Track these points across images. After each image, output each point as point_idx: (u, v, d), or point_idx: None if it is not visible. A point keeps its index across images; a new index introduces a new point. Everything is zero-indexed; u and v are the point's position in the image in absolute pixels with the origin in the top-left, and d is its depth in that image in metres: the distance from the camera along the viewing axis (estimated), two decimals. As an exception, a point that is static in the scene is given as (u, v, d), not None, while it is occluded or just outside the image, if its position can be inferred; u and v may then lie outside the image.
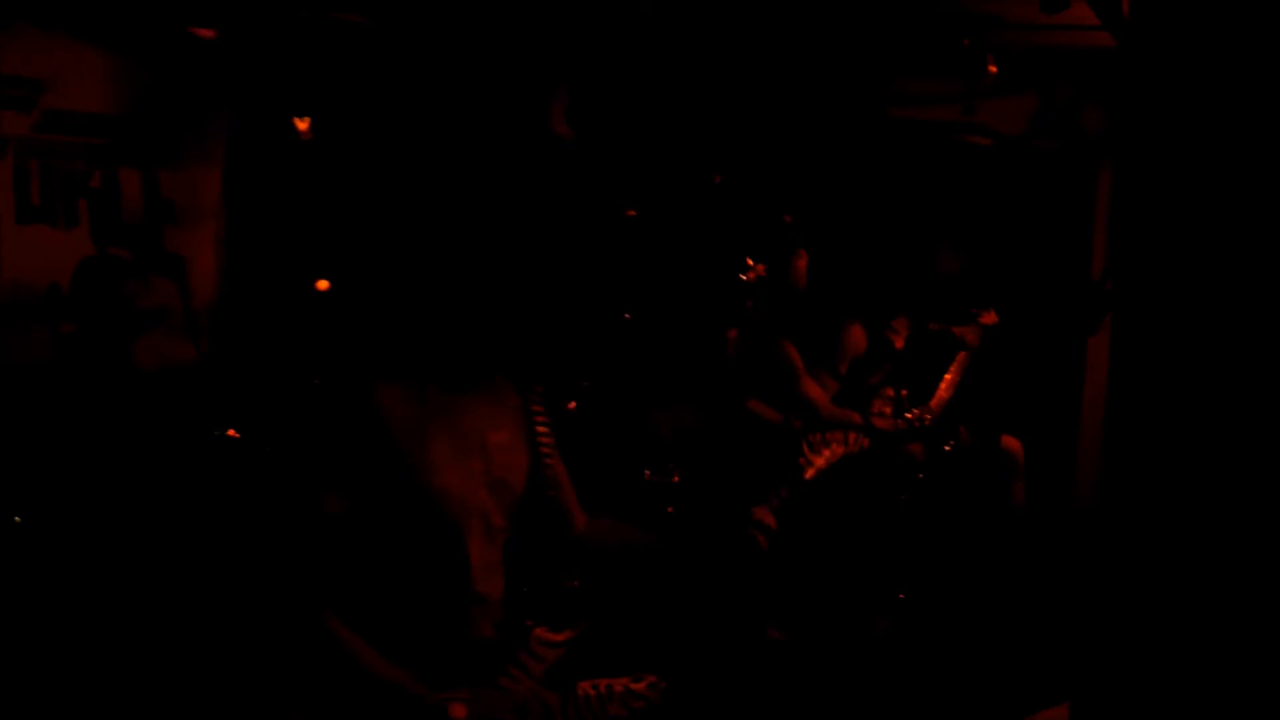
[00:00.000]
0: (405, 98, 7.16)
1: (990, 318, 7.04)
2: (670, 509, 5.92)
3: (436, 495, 3.29)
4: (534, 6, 6.70)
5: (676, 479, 6.00)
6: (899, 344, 6.77)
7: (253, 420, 6.01)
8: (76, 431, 5.92)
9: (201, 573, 5.62)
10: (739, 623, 6.10)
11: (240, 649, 5.23)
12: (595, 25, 6.89)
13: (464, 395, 3.44)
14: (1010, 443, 7.19)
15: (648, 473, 5.81)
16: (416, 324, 3.41)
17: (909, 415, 6.71)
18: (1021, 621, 6.49)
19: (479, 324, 3.39)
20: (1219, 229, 2.93)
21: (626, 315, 5.46)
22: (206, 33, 7.12)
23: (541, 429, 3.65)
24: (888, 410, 6.75)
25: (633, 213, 4.16)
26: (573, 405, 5.37)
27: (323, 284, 6.10)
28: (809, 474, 5.74)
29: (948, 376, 6.84)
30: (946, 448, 6.81)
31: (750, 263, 6.10)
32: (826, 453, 5.70)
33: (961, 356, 6.87)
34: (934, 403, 6.80)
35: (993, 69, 6.93)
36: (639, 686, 3.62)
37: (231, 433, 6.06)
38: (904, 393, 6.80)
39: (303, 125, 7.48)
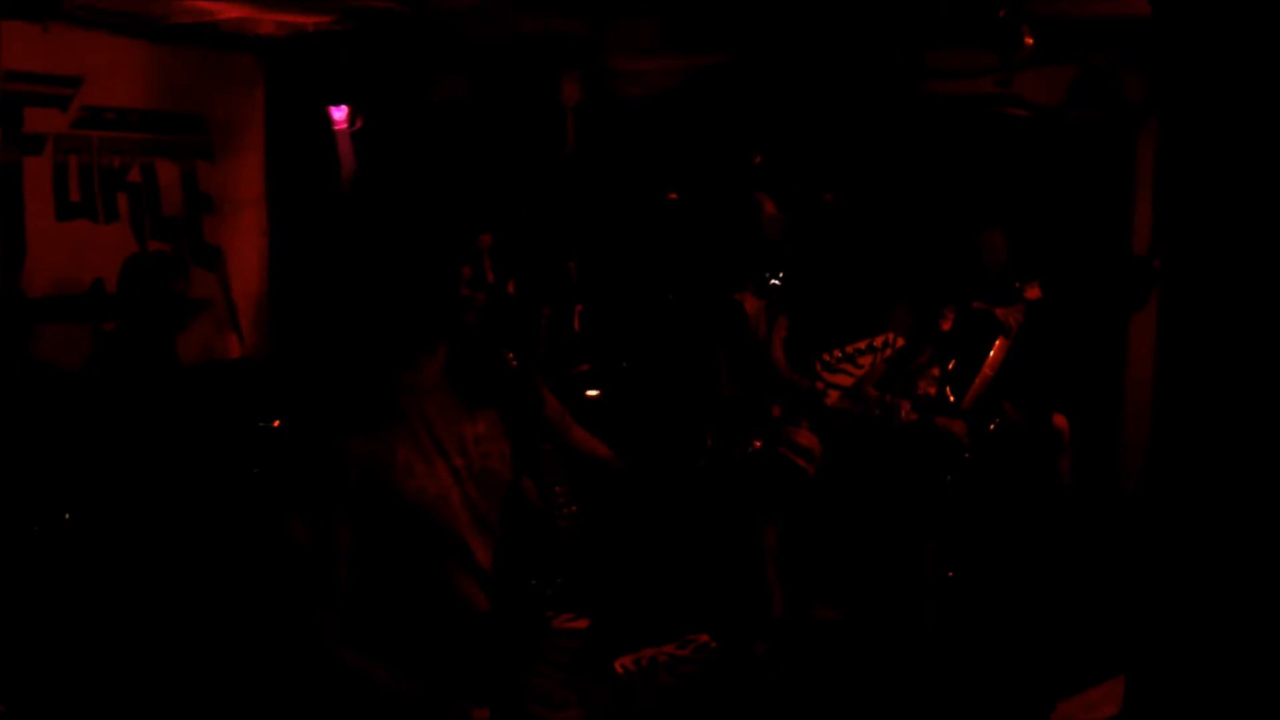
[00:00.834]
0: (446, 84, 7.16)
1: (1034, 292, 6.99)
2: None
3: (414, 495, 3.24)
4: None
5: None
6: (945, 325, 6.72)
7: (297, 412, 6.02)
8: (121, 427, 5.94)
9: (242, 569, 5.63)
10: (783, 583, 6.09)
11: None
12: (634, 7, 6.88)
13: (435, 395, 3.38)
14: (1057, 420, 7.15)
15: (758, 443, 5.70)
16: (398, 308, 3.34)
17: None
18: (1070, 598, 6.47)
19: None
20: (1266, 199, 2.91)
21: (669, 296, 5.44)
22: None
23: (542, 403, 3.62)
24: (932, 390, 6.72)
25: (674, 195, 4.15)
26: (595, 393, 5.34)
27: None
28: (832, 399, 5.69)
29: (990, 356, 6.80)
30: (991, 426, 6.78)
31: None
32: (847, 368, 5.63)
33: (1001, 340, 6.83)
34: (977, 382, 6.77)
35: (1029, 40, 6.88)
36: (685, 652, 3.60)
37: (276, 424, 6.06)
38: (951, 366, 6.76)
39: (338, 114, 7.49)
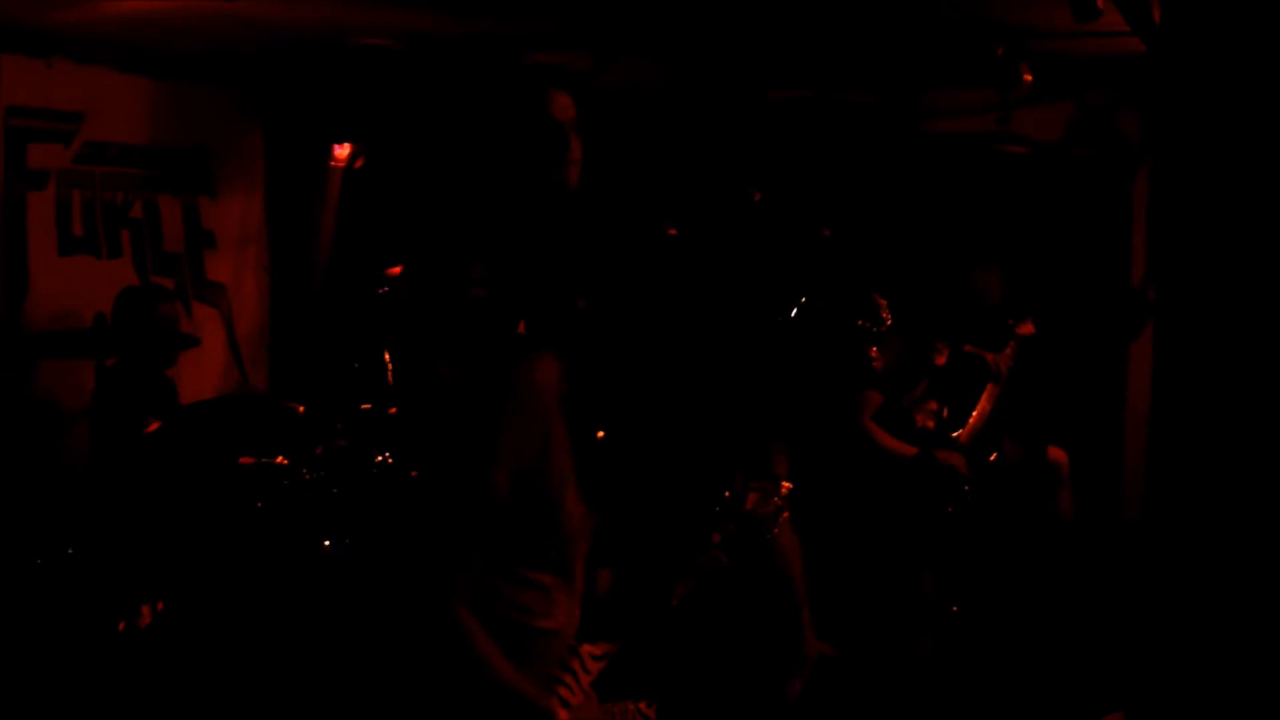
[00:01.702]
0: (441, 122, 7.18)
1: (1028, 328, 7.01)
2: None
3: (558, 487, 3.27)
4: (564, 25, 6.73)
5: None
6: (939, 360, 6.74)
7: (300, 447, 6.03)
8: (124, 460, 5.95)
9: (252, 595, 5.64)
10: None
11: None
12: (632, 42, 6.91)
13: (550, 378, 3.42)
14: (1055, 453, 7.16)
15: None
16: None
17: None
18: (1070, 632, 6.46)
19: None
20: (1259, 233, 2.93)
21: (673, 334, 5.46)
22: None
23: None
24: (930, 424, 6.73)
25: (674, 231, 4.16)
26: (601, 434, 5.35)
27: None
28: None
29: (980, 404, 6.82)
30: (990, 459, 6.79)
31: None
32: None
33: (991, 386, 6.85)
34: (974, 416, 6.78)
35: (1028, 77, 6.91)
36: (643, 706, 3.63)
37: (280, 460, 6.07)
38: (945, 413, 6.78)
39: (341, 152, 7.52)
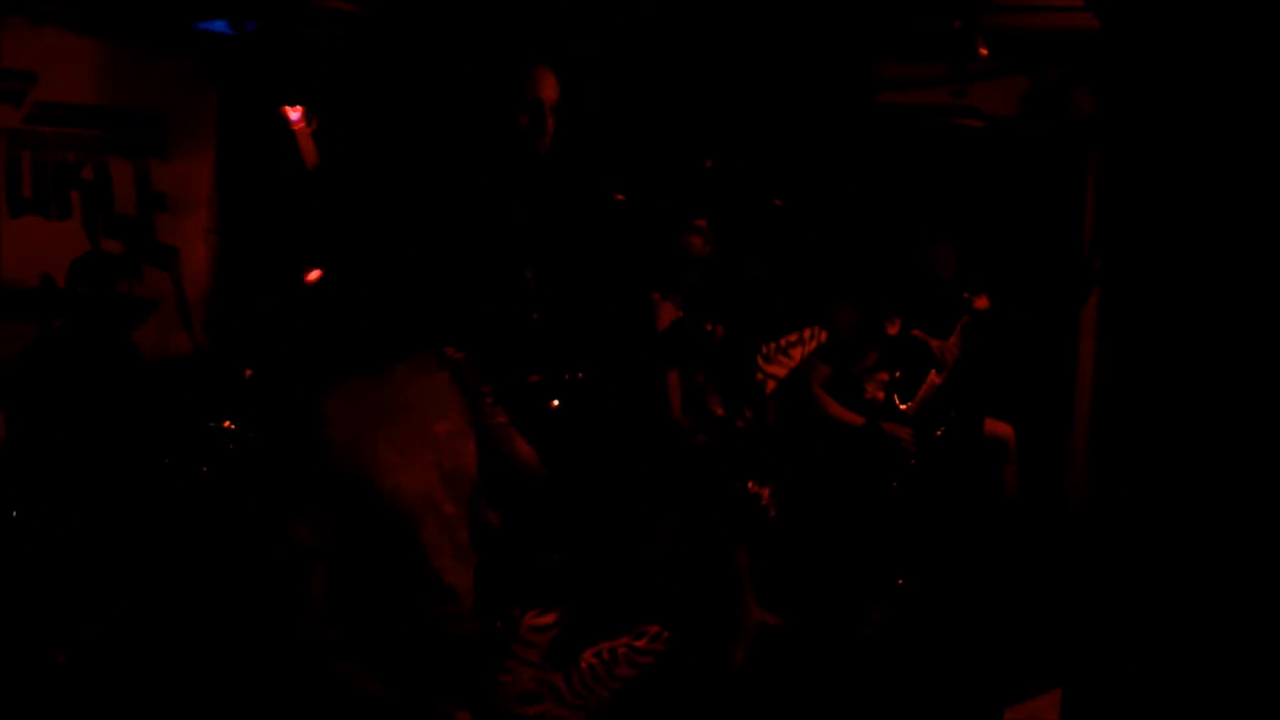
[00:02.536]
0: (398, 87, 7.15)
1: (982, 302, 7.03)
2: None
3: (390, 495, 3.25)
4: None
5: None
6: (891, 330, 6.75)
7: (248, 412, 6.00)
8: (71, 424, 5.92)
9: (199, 573, 5.61)
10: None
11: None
12: (589, 12, 6.88)
13: (406, 390, 3.40)
14: (1001, 429, 7.18)
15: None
16: (373, 311, 3.36)
17: None
18: (1013, 609, 6.49)
19: (441, 312, 3.36)
20: (1206, 210, 2.93)
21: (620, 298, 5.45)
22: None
23: (491, 413, 3.63)
24: (880, 395, 6.75)
25: (621, 197, 4.15)
26: (555, 404, 5.35)
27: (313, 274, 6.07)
28: (770, 388, 5.74)
29: (927, 380, 6.84)
30: (938, 433, 6.81)
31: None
32: (781, 359, 5.68)
33: (934, 373, 6.87)
34: (923, 389, 6.80)
35: (983, 51, 6.91)
36: (641, 643, 3.62)
37: (227, 424, 6.04)
38: (897, 376, 6.79)
39: (294, 115, 7.46)
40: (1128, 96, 3.09)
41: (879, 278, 6.89)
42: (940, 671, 6.00)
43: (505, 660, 3.38)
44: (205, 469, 5.93)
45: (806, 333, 5.71)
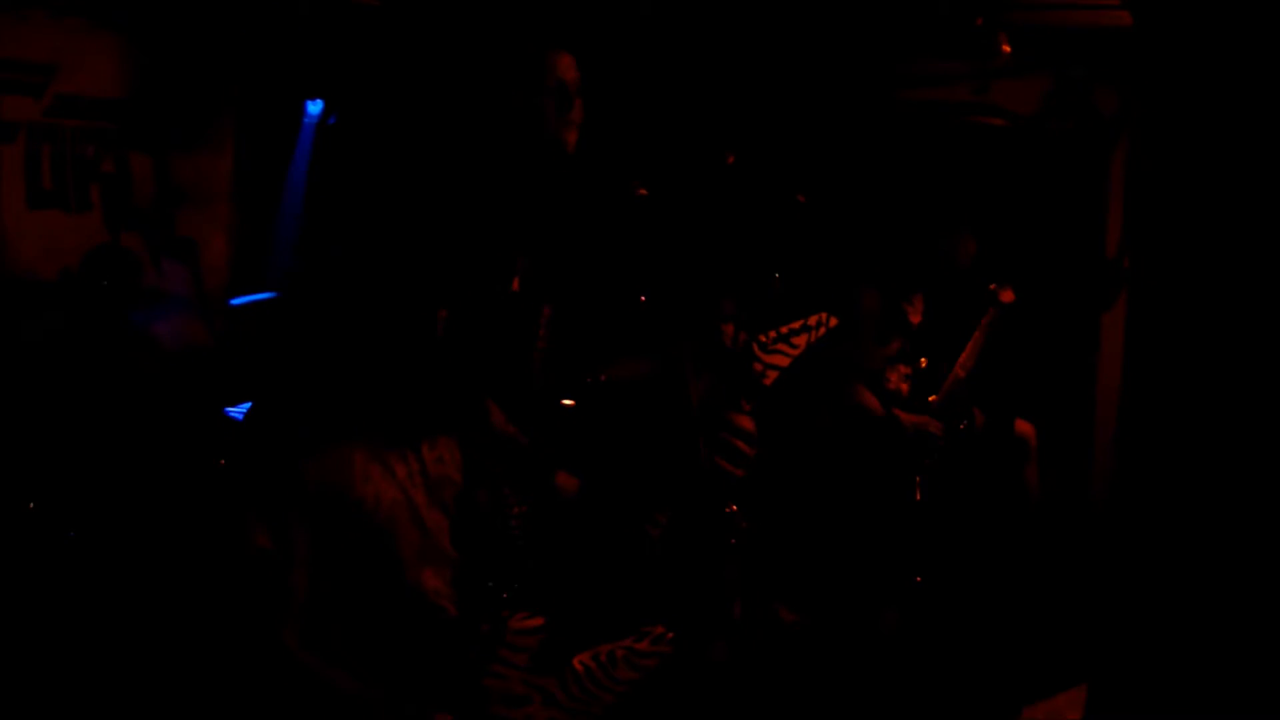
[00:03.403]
0: (417, 82, 7.14)
1: (1008, 295, 6.99)
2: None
3: (370, 505, 3.23)
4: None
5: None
6: (914, 318, 6.72)
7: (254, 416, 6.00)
8: (89, 415, 5.92)
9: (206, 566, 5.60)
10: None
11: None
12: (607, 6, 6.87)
13: (393, 400, 3.37)
14: (1023, 427, 7.15)
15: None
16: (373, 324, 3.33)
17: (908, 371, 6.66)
18: (1030, 607, 6.47)
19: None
20: (1233, 210, 2.92)
21: (642, 298, 5.42)
22: None
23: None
24: (904, 387, 6.72)
25: (644, 191, 4.12)
26: (570, 403, 5.33)
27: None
28: (770, 379, 5.69)
29: (962, 356, 6.78)
30: (960, 427, 6.78)
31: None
32: (783, 348, 5.62)
33: (976, 336, 6.81)
34: (948, 381, 6.76)
35: (1006, 48, 6.89)
36: (643, 645, 3.60)
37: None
38: (923, 363, 6.76)
39: (316, 111, 7.48)
40: (1161, 94, 3.07)
41: (900, 266, 6.87)
42: (957, 670, 5.99)
43: (491, 664, 3.36)
44: (222, 461, 5.93)
45: (813, 319, 5.61)
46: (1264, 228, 2.88)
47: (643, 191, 4.13)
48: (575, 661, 3.51)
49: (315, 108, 7.67)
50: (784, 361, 5.63)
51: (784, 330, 5.58)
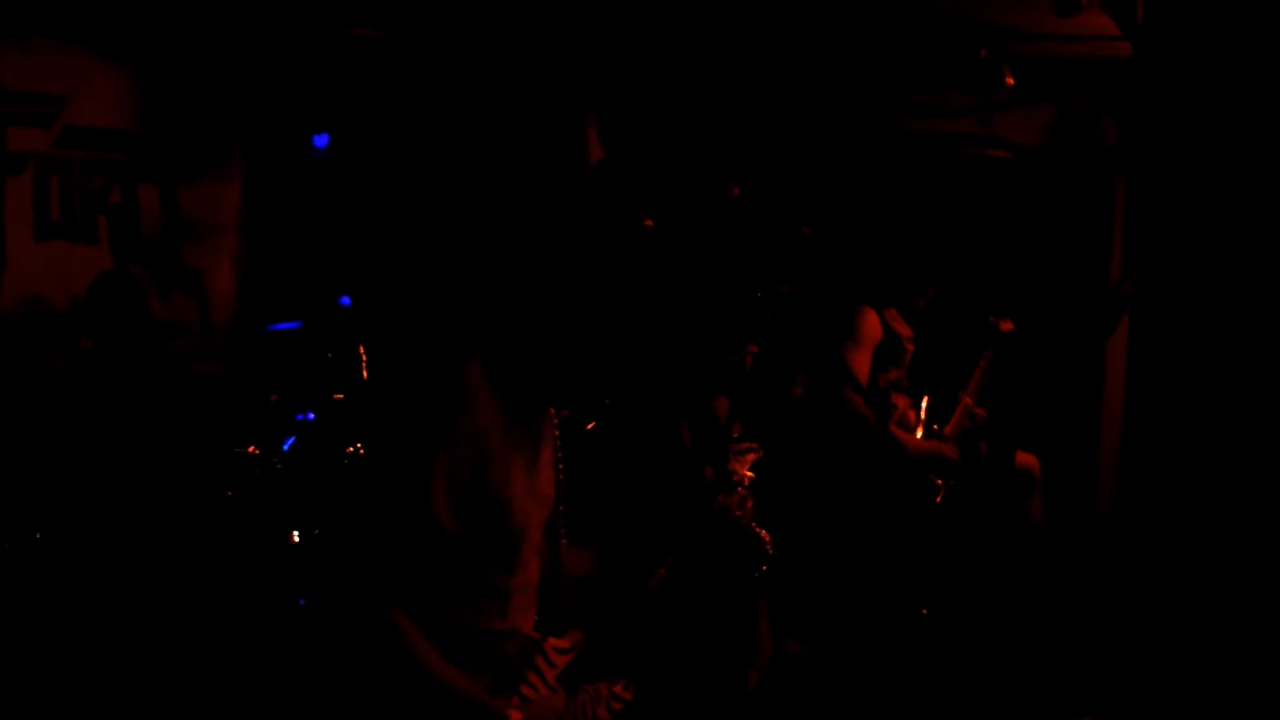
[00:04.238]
0: (424, 114, 7.17)
1: (1007, 325, 6.99)
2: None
3: (505, 504, 3.25)
4: (547, 22, 6.72)
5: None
6: (903, 331, 6.71)
7: (271, 435, 6.02)
8: (97, 445, 5.93)
9: (219, 584, 5.62)
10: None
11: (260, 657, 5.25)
12: (611, 39, 6.90)
13: (526, 409, 3.39)
14: (1026, 459, 7.14)
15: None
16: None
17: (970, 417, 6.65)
18: (1040, 639, 6.46)
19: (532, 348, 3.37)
20: (1235, 240, 2.93)
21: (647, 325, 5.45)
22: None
23: (559, 447, 3.66)
24: (911, 415, 6.71)
25: (650, 222, 4.14)
26: (591, 425, 5.36)
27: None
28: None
29: (961, 406, 6.80)
30: (980, 454, 6.76)
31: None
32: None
33: (987, 355, 6.81)
34: (959, 411, 6.76)
35: (1010, 80, 6.91)
36: (617, 688, 3.64)
37: (252, 449, 6.06)
38: (925, 401, 6.76)
39: (322, 143, 7.50)
40: (1161, 124, 3.09)
41: (900, 290, 6.86)
42: (963, 702, 5.98)
43: (529, 674, 3.41)
44: (229, 494, 5.94)
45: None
46: (1265, 256, 2.90)
47: (649, 223, 4.16)
48: (580, 688, 3.56)
49: (321, 141, 7.70)
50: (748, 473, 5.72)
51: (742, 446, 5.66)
